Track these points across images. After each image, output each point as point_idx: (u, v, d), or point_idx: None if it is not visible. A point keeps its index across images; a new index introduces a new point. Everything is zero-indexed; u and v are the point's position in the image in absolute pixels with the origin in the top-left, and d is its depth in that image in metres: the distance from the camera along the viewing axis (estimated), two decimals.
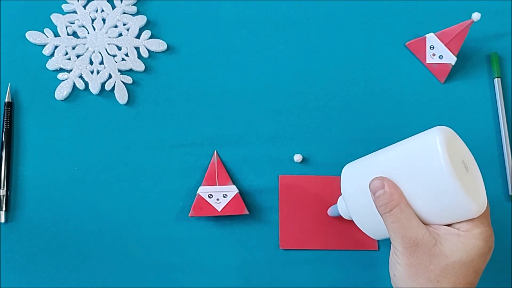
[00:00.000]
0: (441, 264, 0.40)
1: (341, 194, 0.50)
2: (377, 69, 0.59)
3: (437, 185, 0.40)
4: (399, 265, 0.42)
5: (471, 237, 0.40)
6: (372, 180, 0.43)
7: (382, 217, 0.43)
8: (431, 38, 0.58)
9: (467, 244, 0.40)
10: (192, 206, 0.54)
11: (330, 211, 0.54)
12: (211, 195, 0.54)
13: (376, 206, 0.43)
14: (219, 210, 0.54)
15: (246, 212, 0.54)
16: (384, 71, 0.59)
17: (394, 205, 0.42)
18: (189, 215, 0.54)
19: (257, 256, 0.55)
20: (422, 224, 0.41)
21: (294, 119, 0.58)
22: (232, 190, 0.55)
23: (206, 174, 0.55)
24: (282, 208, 0.55)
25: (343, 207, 0.50)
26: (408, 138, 0.44)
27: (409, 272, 0.41)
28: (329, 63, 0.59)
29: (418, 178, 0.41)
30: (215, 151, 0.56)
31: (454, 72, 0.59)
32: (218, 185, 0.55)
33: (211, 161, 0.56)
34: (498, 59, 0.59)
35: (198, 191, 0.54)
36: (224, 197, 0.54)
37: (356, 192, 0.46)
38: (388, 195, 0.42)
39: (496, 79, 0.59)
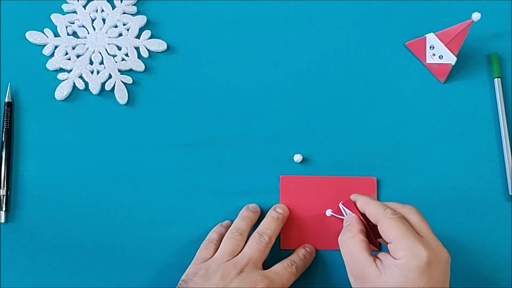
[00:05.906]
0: None
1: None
2: (377, 69, 0.59)
3: None
4: None
5: (404, 259, 0.42)
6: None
7: (339, 245, 0.47)
8: (431, 38, 0.58)
9: (402, 268, 0.42)
10: None
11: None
12: None
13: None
14: None
15: None
16: (384, 71, 0.59)
17: (351, 236, 0.47)
18: None
19: None
20: (371, 257, 0.44)
21: (294, 119, 0.58)
22: None
23: None
24: None
25: None
26: None
27: None
28: (329, 63, 0.59)
29: None
30: None
31: (454, 72, 0.59)
32: None
33: None
34: (498, 59, 0.59)
35: None
36: None
37: None
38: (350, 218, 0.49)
39: (496, 79, 0.59)
